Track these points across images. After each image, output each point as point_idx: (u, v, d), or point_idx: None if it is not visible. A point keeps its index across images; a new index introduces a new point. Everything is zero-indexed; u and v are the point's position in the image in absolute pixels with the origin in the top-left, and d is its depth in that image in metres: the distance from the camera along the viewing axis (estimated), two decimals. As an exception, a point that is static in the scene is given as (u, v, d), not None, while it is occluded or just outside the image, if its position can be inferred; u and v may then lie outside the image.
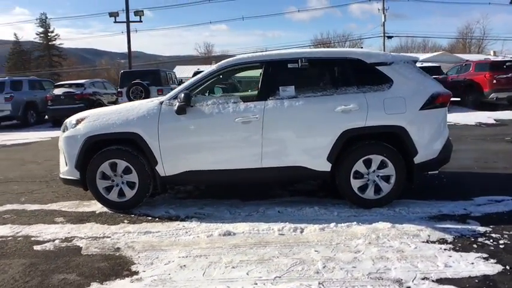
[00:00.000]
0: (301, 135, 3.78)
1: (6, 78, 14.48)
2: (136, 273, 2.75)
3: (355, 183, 3.81)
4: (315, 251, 2.97)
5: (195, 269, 2.77)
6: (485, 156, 6.09)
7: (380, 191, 3.82)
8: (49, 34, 54.16)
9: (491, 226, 3.35)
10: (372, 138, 3.82)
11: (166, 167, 3.85)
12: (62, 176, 4.08)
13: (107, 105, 12.02)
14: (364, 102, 3.74)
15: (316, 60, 3.97)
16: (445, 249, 2.94)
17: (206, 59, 51.15)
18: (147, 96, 12.59)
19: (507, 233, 3.22)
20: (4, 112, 12.79)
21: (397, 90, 3.80)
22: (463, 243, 3.03)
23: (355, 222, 3.44)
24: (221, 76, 4.06)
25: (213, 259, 2.89)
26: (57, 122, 12.40)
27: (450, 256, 2.83)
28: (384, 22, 29.28)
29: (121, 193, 3.93)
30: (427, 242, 3.09)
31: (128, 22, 20.96)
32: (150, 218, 3.80)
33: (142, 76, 13.24)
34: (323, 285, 2.49)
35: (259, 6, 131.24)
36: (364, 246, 3.04)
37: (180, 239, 3.29)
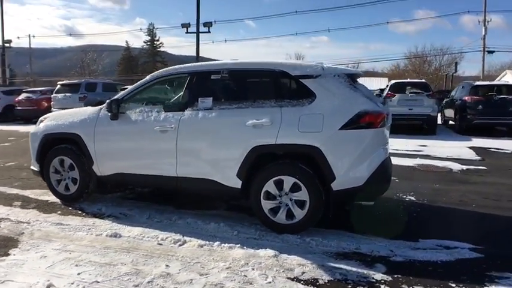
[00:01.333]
0: (212, 147, 3.66)
1: (83, 80, 16.86)
2: (8, 254, 3.07)
3: (266, 205, 3.52)
4: (166, 265, 2.87)
5: (50, 261, 2.95)
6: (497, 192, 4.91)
7: (293, 217, 3.46)
8: (155, 42, 61.79)
9: (395, 276, 2.76)
10: (287, 158, 3.49)
11: (100, 168, 4.15)
12: (31, 167, 4.74)
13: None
14: (279, 117, 3.45)
15: (239, 71, 3.82)
16: (298, 291, 2.55)
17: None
18: None
19: (404, 287, 2.62)
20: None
21: (317, 106, 3.41)
22: (328, 288, 2.58)
23: (238, 245, 3.19)
24: (155, 86, 4.20)
25: (73, 255, 3.04)
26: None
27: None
28: (484, 35, 25.51)
29: (67, 187, 4.37)
30: (293, 279, 2.71)
31: (197, 32, 22.96)
32: (80, 212, 4.13)
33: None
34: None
35: (363, 16, 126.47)
36: (217, 270, 2.81)
37: (76, 234, 3.51)
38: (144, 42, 63.21)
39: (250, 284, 2.64)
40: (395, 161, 6.88)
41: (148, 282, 2.63)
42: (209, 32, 22.62)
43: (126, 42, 65.35)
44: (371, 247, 3.24)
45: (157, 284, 2.60)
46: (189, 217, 3.87)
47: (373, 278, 2.73)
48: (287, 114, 3.44)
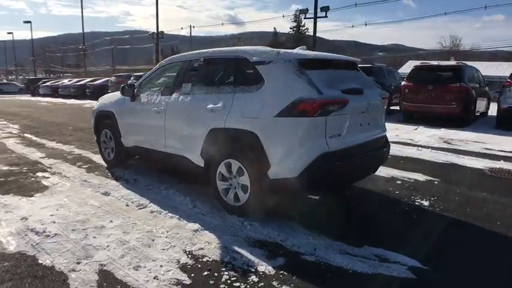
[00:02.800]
0: (185, 128, 4.04)
1: None
2: (30, 195, 4.22)
3: (220, 185, 3.74)
4: (110, 221, 3.49)
5: (47, 204, 3.91)
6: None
7: (239, 200, 3.59)
8: (301, 28, 62.33)
9: (280, 272, 2.69)
10: (235, 142, 3.60)
11: (124, 140, 5.05)
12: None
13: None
14: (230, 102, 3.59)
15: (212, 59, 4.04)
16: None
17: (448, 54, 44.44)
18: None
19: (274, 283, 2.55)
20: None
21: (261, 93, 3.41)
22: (193, 264, 2.77)
23: (178, 216, 3.57)
24: (160, 73, 4.74)
25: (64, 203, 3.95)
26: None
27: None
28: None
29: (108, 154, 5.46)
30: (187, 251, 2.96)
31: (315, 18, 22.39)
32: (110, 174, 5.15)
33: None
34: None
35: None
36: (139, 230, 3.28)
37: (85, 189, 4.45)
38: (290, 28, 65.48)
39: (149, 247, 3.00)
40: (474, 162, 5.88)
41: (83, 229, 3.30)
42: (326, 16, 22.10)
43: (274, 28, 68.79)
44: (297, 242, 3.12)
45: (86, 230, 3.25)
46: (174, 189, 4.38)
47: (255, 268, 2.72)
48: (237, 99, 3.56)
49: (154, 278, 2.57)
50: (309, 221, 3.49)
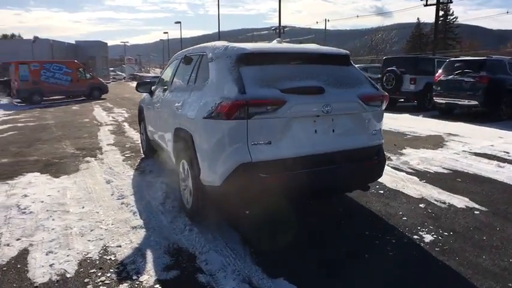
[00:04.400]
0: (166, 125, 4.09)
1: None
2: (58, 177, 4.96)
3: (181, 185, 3.68)
4: (82, 207, 3.84)
5: (53, 185, 4.56)
6: None
7: (188, 202, 3.46)
8: (448, 17, 54.00)
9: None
10: (184, 142, 3.42)
11: (148, 133, 5.42)
12: None
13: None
14: (186, 101, 3.46)
15: (189, 56, 3.93)
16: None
17: None
18: (398, 84, 11.78)
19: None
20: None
21: (203, 91, 3.21)
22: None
23: (133, 209, 3.73)
24: (167, 70, 4.81)
25: (67, 185, 4.52)
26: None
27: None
28: None
29: (142, 146, 5.97)
30: (82, 236, 3.03)
31: (437, 4, 18.72)
32: (136, 165, 5.61)
33: (402, 63, 12.26)
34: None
35: None
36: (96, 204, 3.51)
37: (101, 176, 4.99)
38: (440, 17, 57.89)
39: (81, 236, 3.20)
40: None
41: (54, 211, 3.72)
42: (451, 2, 18.56)
43: (418, 18, 61.98)
44: (213, 258, 2.82)
45: (55, 212, 3.67)
46: (168, 180, 4.53)
47: (138, 276, 2.61)
48: (190, 98, 3.42)
49: (50, 265, 2.74)
50: (254, 235, 3.13)
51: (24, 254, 2.91)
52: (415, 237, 3.20)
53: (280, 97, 2.80)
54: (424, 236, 3.21)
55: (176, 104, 3.69)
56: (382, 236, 3.23)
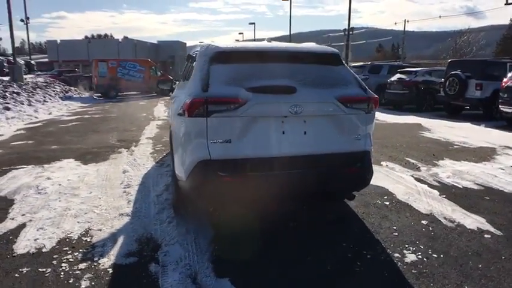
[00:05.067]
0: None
1: (369, 62, 16.70)
2: (86, 164, 5.47)
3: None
4: (90, 192, 4.20)
5: (78, 168, 5.03)
6: None
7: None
8: None
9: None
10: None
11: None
12: None
13: (437, 94, 11.75)
14: (177, 98, 3.61)
15: (191, 55, 4.03)
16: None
17: None
18: (462, 90, 10.57)
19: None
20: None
21: (184, 89, 3.30)
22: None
23: (133, 198, 3.93)
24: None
25: (82, 172, 4.96)
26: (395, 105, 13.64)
27: None
28: None
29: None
30: (75, 218, 3.30)
31: None
32: (163, 154, 5.95)
33: (469, 66, 10.94)
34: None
35: None
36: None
37: (117, 167, 5.39)
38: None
39: (74, 217, 3.50)
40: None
41: (65, 193, 4.12)
42: None
43: (511, 20, 55.06)
44: (173, 251, 2.90)
45: (65, 195, 4.06)
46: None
47: (94, 260, 2.79)
48: (179, 95, 3.55)
49: (35, 240, 3.07)
50: (225, 234, 3.15)
51: (21, 227, 3.30)
52: (396, 255, 2.92)
53: (242, 96, 2.77)
54: (407, 255, 2.92)
55: (173, 101, 3.86)
56: (358, 249, 3.01)
